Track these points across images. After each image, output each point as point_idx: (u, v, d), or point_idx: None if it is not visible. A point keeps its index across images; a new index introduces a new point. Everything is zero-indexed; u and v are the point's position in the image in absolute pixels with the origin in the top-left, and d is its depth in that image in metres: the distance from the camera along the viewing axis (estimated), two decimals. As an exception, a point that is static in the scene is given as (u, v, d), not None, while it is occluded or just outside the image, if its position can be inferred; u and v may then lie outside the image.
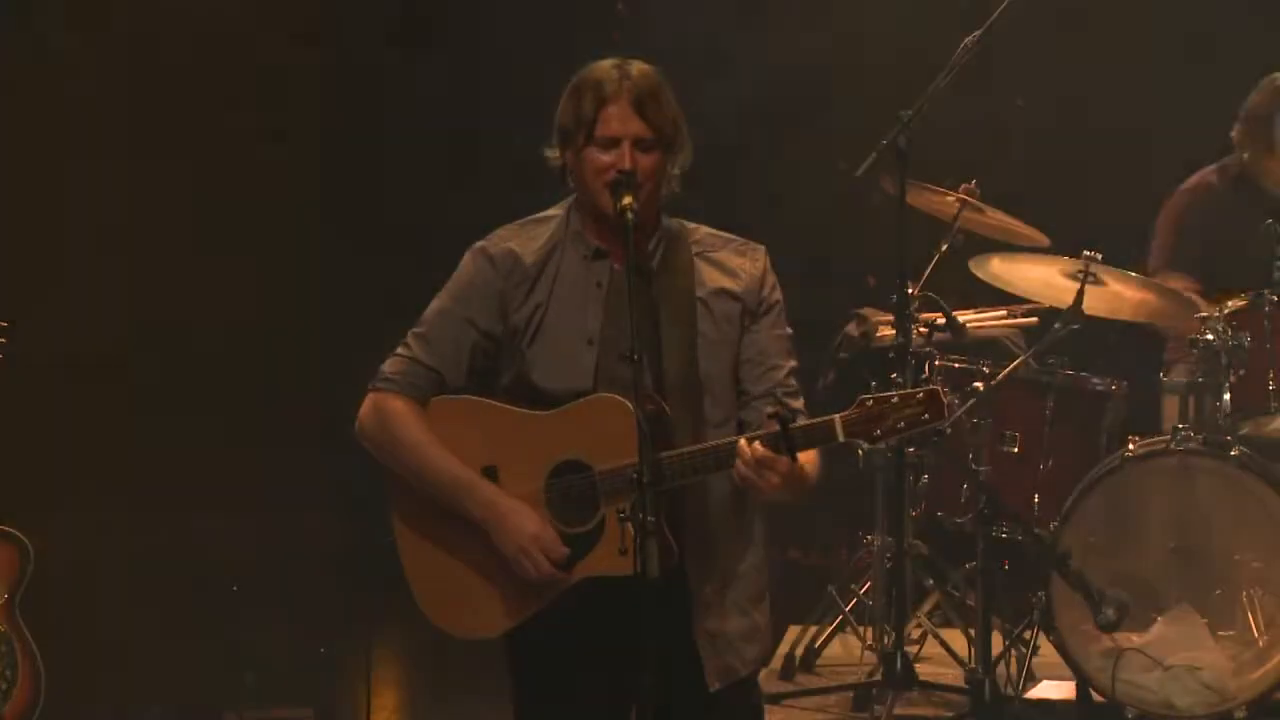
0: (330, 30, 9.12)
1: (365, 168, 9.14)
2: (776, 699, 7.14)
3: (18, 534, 6.55)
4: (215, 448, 8.64)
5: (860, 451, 7.23)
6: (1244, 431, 6.77)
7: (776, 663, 7.52)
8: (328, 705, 7.42)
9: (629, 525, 4.29)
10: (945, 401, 4.37)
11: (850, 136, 7.33)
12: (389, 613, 8.75)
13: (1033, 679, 7.09)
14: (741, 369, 4.60)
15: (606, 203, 4.48)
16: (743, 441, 4.33)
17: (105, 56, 8.60)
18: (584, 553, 4.48)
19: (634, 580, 4.22)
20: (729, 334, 4.61)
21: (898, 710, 6.87)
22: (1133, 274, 7.05)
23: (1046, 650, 7.01)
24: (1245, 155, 7.30)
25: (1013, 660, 7.02)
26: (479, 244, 4.68)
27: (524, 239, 4.64)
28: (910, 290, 6.82)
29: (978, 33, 6.85)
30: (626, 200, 4.44)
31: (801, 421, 4.36)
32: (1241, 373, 6.72)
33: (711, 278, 4.62)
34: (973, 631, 6.98)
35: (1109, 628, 6.58)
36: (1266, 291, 6.73)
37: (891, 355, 6.84)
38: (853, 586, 7.64)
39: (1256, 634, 6.70)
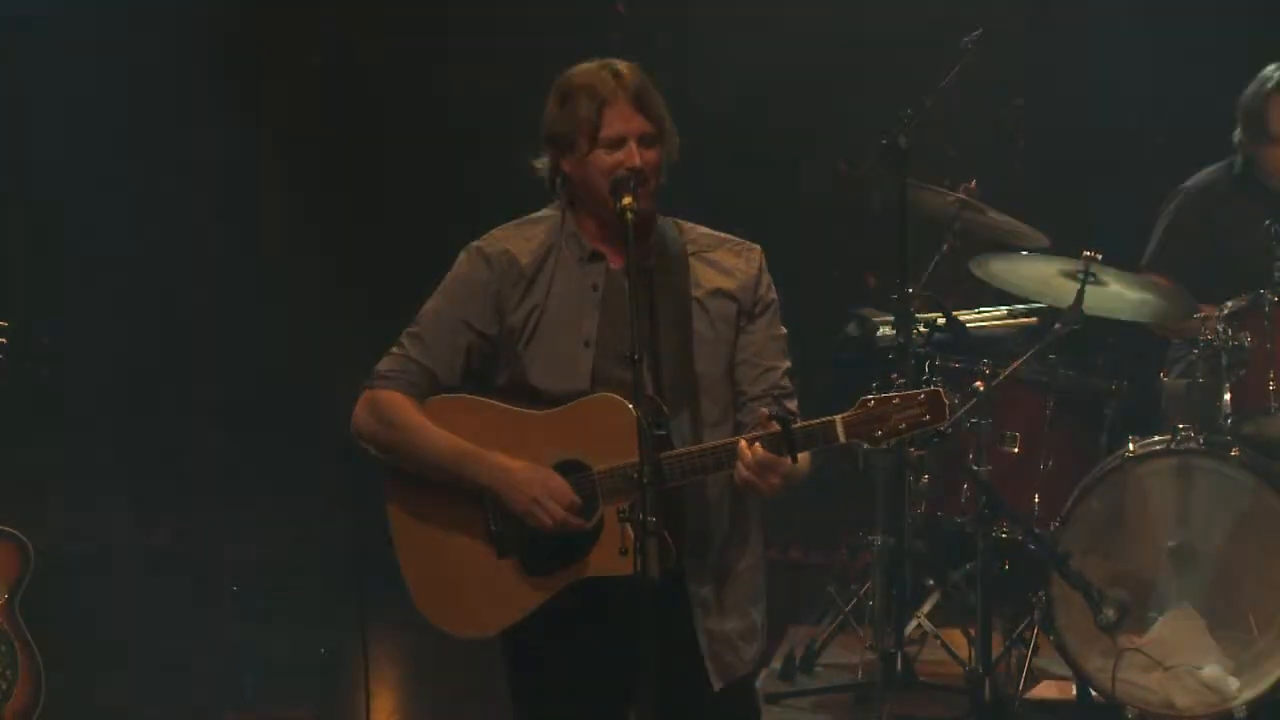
0: (330, 30, 9.13)
1: (365, 167, 9.15)
2: (776, 699, 7.14)
3: (18, 534, 6.55)
4: (216, 448, 8.66)
5: (860, 451, 7.24)
6: (1244, 431, 6.77)
7: (776, 663, 7.52)
8: (328, 705, 7.42)
9: (629, 525, 4.30)
10: (947, 402, 4.37)
11: (850, 136, 7.33)
12: (389, 613, 8.78)
13: (1033, 679, 7.10)
14: (737, 370, 4.61)
15: (608, 202, 4.49)
16: (743, 443, 4.33)
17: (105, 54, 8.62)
18: (583, 553, 4.48)
19: (633, 580, 4.22)
20: (725, 334, 4.62)
21: (898, 711, 6.87)
22: (1133, 274, 7.05)
23: (1046, 650, 7.01)
24: (1248, 152, 7.30)
25: (1013, 660, 7.02)
26: (474, 244, 4.68)
27: (519, 240, 4.64)
28: (910, 290, 6.83)
29: (977, 32, 6.86)
30: (626, 200, 4.45)
31: (803, 422, 4.36)
32: (1241, 373, 6.72)
33: (707, 278, 4.63)
34: (973, 631, 6.98)
35: (1109, 628, 6.58)
36: (1266, 291, 6.74)
37: (891, 355, 6.84)
38: (853, 586, 7.64)
39: (1256, 634, 6.70)
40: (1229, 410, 6.73)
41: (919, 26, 8.36)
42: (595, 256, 4.59)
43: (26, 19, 8.47)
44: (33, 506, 7.15)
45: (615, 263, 4.59)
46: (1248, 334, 6.71)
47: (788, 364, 4.64)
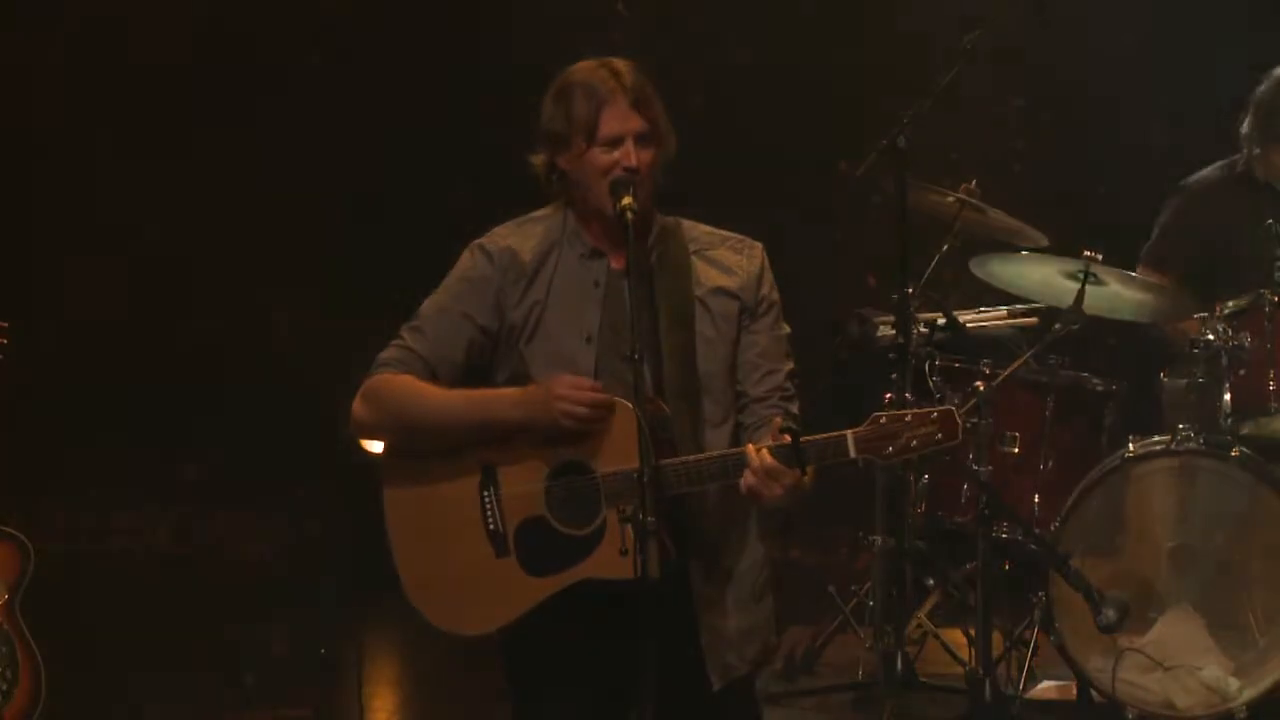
0: (330, 30, 9.14)
1: (365, 168, 9.15)
2: (776, 699, 7.14)
3: (18, 534, 6.55)
4: (216, 448, 8.66)
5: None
6: (1244, 431, 6.77)
7: (777, 663, 7.52)
8: (328, 705, 7.42)
9: (629, 526, 4.29)
10: (960, 422, 4.35)
11: (850, 136, 7.34)
12: (388, 613, 8.78)
13: (1033, 679, 7.10)
14: (740, 370, 4.60)
15: (609, 203, 4.49)
16: (751, 449, 4.33)
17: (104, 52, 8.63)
18: (585, 555, 4.48)
19: (633, 581, 4.22)
20: (727, 333, 4.61)
21: (898, 710, 6.87)
22: (1133, 274, 7.05)
23: (1046, 650, 7.01)
24: (1255, 150, 7.29)
25: (1013, 660, 7.03)
26: (477, 241, 4.68)
27: (521, 237, 4.64)
28: (910, 290, 6.83)
29: (977, 32, 6.86)
30: (625, 200, 4.45)
31: (813, 436, 4.35)
32: (1242, 373, 6.72)
33: (709, 276, 4.63)
34: (973, 631, 6.98)
35: (1109, 628, 6.58)
36: (1266, 292, 6.73)
37: (891, 355, 6.84)
38: (853, 586, 7.64)
39: (1256, 634, 6.70)
40: (1229, 410, 6.73)
41: (919, 26, 8.36)
42: (597, 254, 4.59)
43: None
44: (33, 506, 7.15)
45: (616, 262, 4.59)
46: (1248, 334, 6.71)
47: (791, 365, 4.64)
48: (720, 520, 4.56)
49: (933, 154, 7.02)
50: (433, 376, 4.61)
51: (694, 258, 4.63)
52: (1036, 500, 7.07)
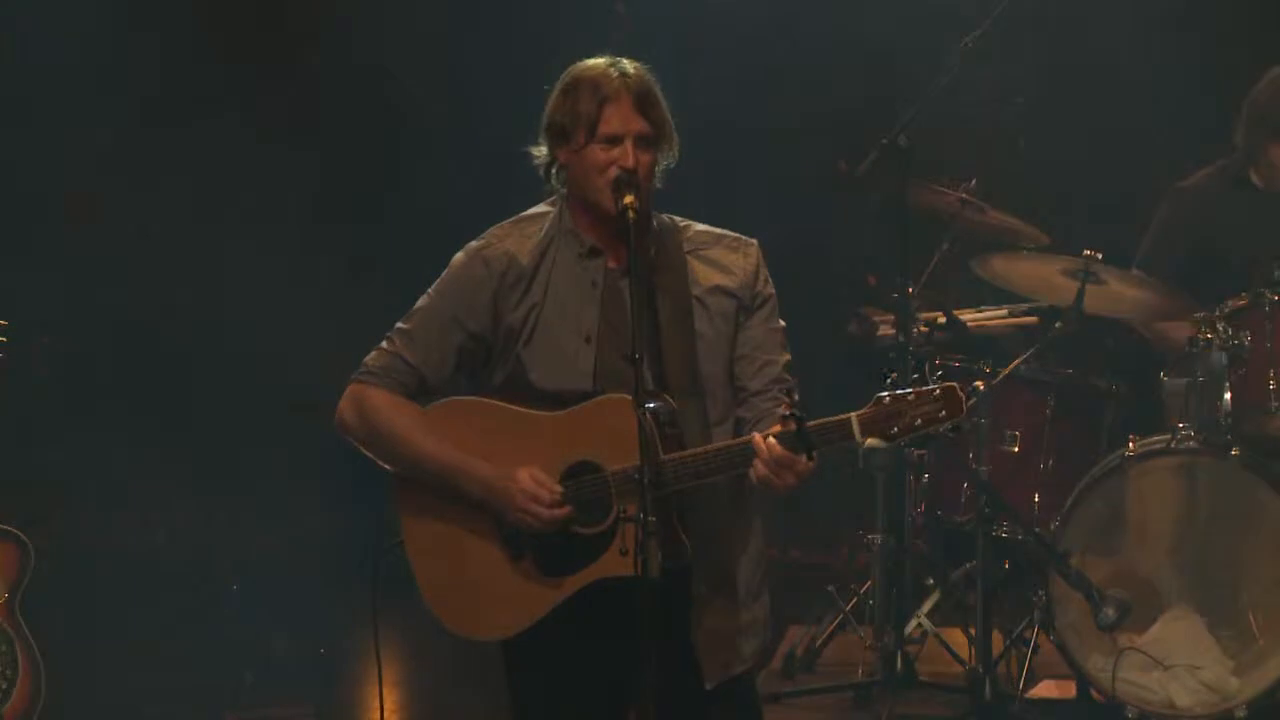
0: (330, 30, 9.13)
1: (366, 168, 9.15)
2: (776, 699, 7.14)
3: (18, 533, 6.55)
4: (214, 447, 8.65)
5: (860, 450, 7.23)
6: (1244, 431, 6.77)
7: (776, 663, 7.52)
8: (328, 705, 7.42)
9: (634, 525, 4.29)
10: (962, 397, 4.35)
11: (850, 136, 7.33)
12: (389, 613, 8.77)
13: (1033, 679, 7.10)
14: (737, 365, 4.60)
15: (608, 201, 4.49)
16: (758, 438, 4.33)
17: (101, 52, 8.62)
18: (599, 554, 4.47)
19: (633, 580, 4.22)
20: (725, 332, 4.62)
21: (898, 710, 6.87)
22: (1133, 274, 7.05)
23: (1046, 650, 7.01)
24: (1250, 150, 7.29)
25: (1013, 660, 7.03)
26: (473, 244, 4.68)
27: (518, 238, 4.64)
28: (910, 290, 6.83)
29: (977, 32, 6.86)
30: (628, 199, 4.46)
31: (817, 421, 4.35)
32: (1241, 373, 6.72)
33: (706, 276, 4.63)
34: (973, 631, 6.98)
35: (1109, 628, 6.58)
36: (1266, 291, 6.73)
37: (892, 355, 6.84)
38: (853, 586, 7.64)
39: (1256, 634, 6.70)
40: (1229, 410, 6.72)
41: (919, 26, 8.36)
42: (594, 252, 4.59)
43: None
44: (33, 506, 7.14)
45: (613, 260, 4.59)
46: (1248, 334, 6.71)
47: (788, 357, 4.64)
48: (720, 517, 4.55)
49: (933, 154, 7.01)
50: (422, 384, 4.62)
51: (690, 257, 4.63)
52: (1036, 500, 7.08)
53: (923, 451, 7.13)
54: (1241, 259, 7.11)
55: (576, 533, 4.48)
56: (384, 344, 4.65)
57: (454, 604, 4.60)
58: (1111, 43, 8.57)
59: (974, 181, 7.24)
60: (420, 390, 4.62)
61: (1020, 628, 7.09)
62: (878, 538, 7.27)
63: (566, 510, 4.45)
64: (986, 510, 6.88)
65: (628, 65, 4.57)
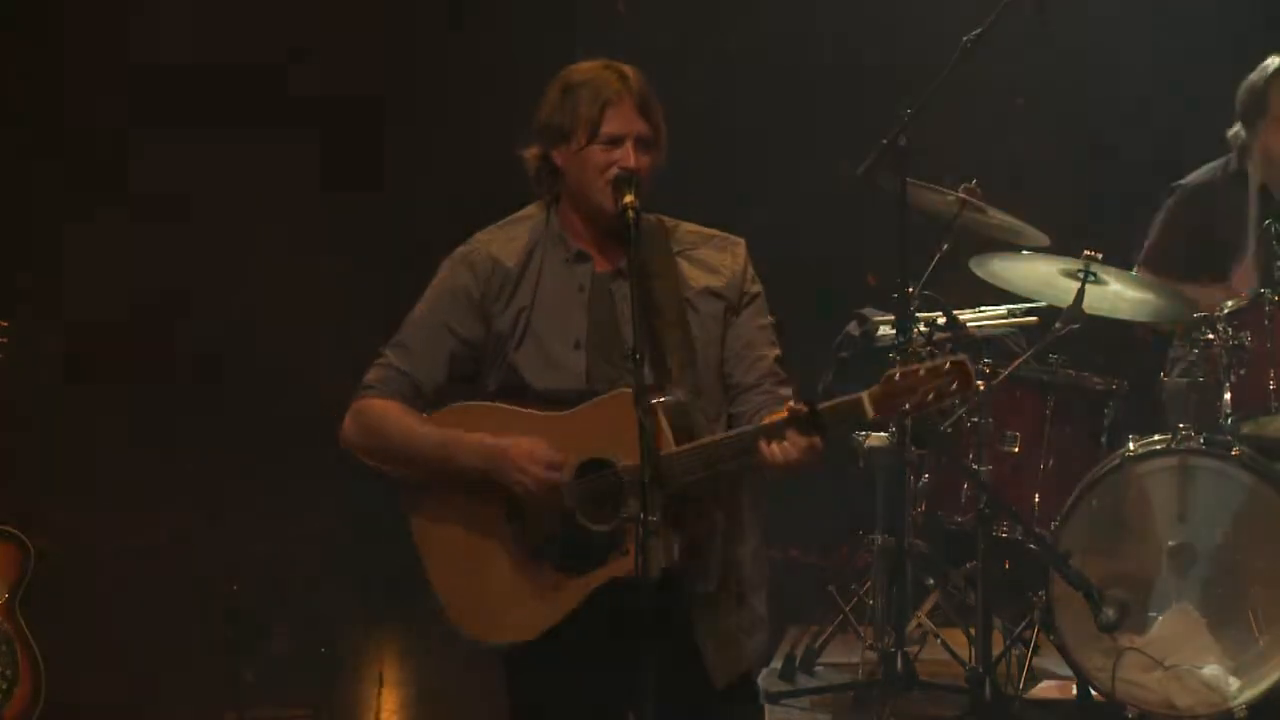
0: (331, 30, 9.13)
1: (365, 169, 9.15)
2: (776, 699, 7.14)
3: (18, 534, 6.55)
4: (215, 447, 8.65)
5: (861, 450, 7.24)
6: (1244, 431, 6.77)
7: (776, 662, 7.52)
8: (328, 705, 7.42)
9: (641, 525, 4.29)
10: (972, 371, 4.32)
11: (850, 136, 7.33)
12: (389, 613, 8.78)
13: (1033, 679, 7.09)
14: (728, 363, 4.61)
15: (609, 200, 4.50)
16: (769, 420, 4.33)
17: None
18: (611, 552, 4.46)
19: (632, 582, 4.22)
20: (715, 333, 4.63)
21: (898, 710, 6.87)
22: (1133, 274, 7.05)
23: (1046, 650, 7.01)
24: (1246, 139, 7.29)
25: (1013, 660, 7.02)
26: (459, 249, 4.69)
27: (503, 241, 4.65)
28: (910, 290, 6.83)
29: (977, 31, 6.86)
30: (628, 199, 4.46)
31: (829, 402, 4.34)
32: (1241, 372, 6.72)
33: (695, 277, 4.64)
34: (973, 631, 6.98)
35: (1109, 628, 6.58)
36: (1266, 291, 6.74)
37: (892, 355, 6.84)
38: (853, 586, 7.64)
39: (1256, 634, 6.70)
40: (1229, 410, 6.72)
41: (919, 26, 8.35)
42: (581, 257, 4.60)
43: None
44: (33, 506, 7.14)
45: (600, 265, 4.60)
46: (1248, 334, 6.71)
47: (778, 351, 4.65)
48: (717, 515, 4.55)
49: (933, 154, 7.01)
50: (418, 392, 4.62)
51: (679, 258, 4.64)
52: (1036, 500, 7.07)
53: (923, 451, 7.13)
54: (1239, 258, 7.12)
55: (591, 530, 4.48)
56: (379, 360, 4.68)
57: (473, 611, 4.59)
58: (1111, 42, 8.57)
59: (974, 181, 7.24)
60: (416, 397, 4.63)
61: (1020, 628, 7.09)
62: (878, 538, 7.28)
63: (562, 476, 4.44)
64: (986, 510, 6.87)
65: (625, 68, 4.59)
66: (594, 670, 4.55)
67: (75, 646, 7.11)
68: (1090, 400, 7.15)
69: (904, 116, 6.76)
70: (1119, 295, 7.02)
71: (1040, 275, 7.04)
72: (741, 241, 4.69)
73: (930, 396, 4.29)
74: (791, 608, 7.87)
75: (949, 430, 7.10)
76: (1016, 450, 7.11)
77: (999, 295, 7.38)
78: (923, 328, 7.04)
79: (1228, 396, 6.74)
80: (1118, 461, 6.76)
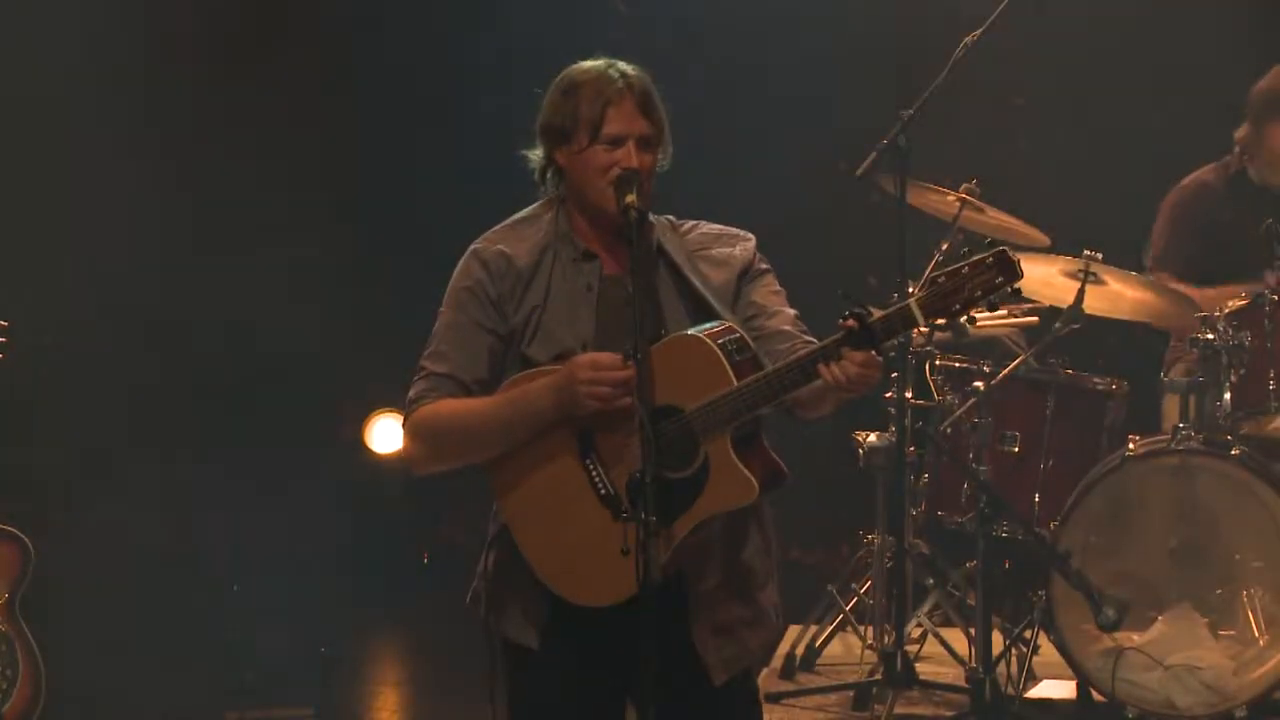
0: (332, 32, 9.14)
1: (367, 169, 9.15)
2: (776, 699, 7.14)
3: (18, 534, 6.55)
4: (215, 447, 8.65)
5: (861, 450, 7.24)
6: (1244, 431, 6.78)
7: (777, 662, 7.52)
8: (328, 705, 7.42)
9: (732, 456, 4.27)
10: (1016, 259, 4.28)
11: (850, 136, 7.33)
12: (389, 613, 8.78)
13: (1033, 679, 7.09)
14: (747, 324, 4.58)
15: (610, 201, 4.49)
16: (827, 342, 4.31)
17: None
18: (695, 496, 4.43)
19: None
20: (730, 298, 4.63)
21: (898, 710, 6.87)
22: (1133, 274, 7.06)
23: (1046, 650, 7.01)
24: (1251, 141, 7.30)
25: (1013, 660, 7.02)
26: (472, 247, 4.68)
27: (515, 240, 4.65)
28: (910, 290, 6.82)
29: (977, 32, 6.86)
30: (630, 198, 4.46)
31: (880, 312, 4.32)
32: (1242, 372, 6.72)
33: (710, 275, 4.63)
34: (973, 631, 6.98)
35: (1109, 628, 6.58)
36: (1267, 291, 6.74)
37: (892, 355, 6.84)
38: (853, 586, 7.64)
39: (1256, 634, 6.70)
40: (1229, 410, 6.73)
41: (919, 25, 8.35)
42: (589, 256, 4.60)
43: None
44: (33, 506, 7.15)
45: (609, 265, 4.60)
46: (1248, 334, 6.71)
47: (794, 311, 4.64)
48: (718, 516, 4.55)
49: (933, 154, 7.01)
50: (466, 391, 4.59)
51: (694, 257, 4.63)
52: (1036, 500, 7.08)
53: (923, 451, 7.14)
54: (1239, 258, 7.13)
55: (669, 478, 4.44)
56: (419, 375, 4.64)
57: (571, 577, 4.53)
58: (1112, 43, 8.57)
59: (974, 181, 7.24)
60: (465, 396, 4.60)
61: (1020, 628, 7.09)
62: (878, 537, 7.28)
63: (632, 371, 4.38)
64: (986, 510, 6.87)
65: (627, 67, 4.59)
66: (594, 669, 4.54)
67: (75, 646, 7.11)
68: (1090, 400, 7.15)
69: (904, 117, 6.76)
70: (1119, 295, 7.03)
71: (1040, 275, 7.04)
72: (751, 237, 4.69)
73: (979, 293, 4.25)
74: (792, 608, 7.86)
75: (949, 430, 7.11)
76: (1016, 450, 7.11)
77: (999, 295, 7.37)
78: (923, 327, 7.04)
79: (1228, 396, 6.75)
80: (1118, 461, 6.77)
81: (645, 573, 4.20)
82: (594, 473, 4.51)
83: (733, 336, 4.43)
